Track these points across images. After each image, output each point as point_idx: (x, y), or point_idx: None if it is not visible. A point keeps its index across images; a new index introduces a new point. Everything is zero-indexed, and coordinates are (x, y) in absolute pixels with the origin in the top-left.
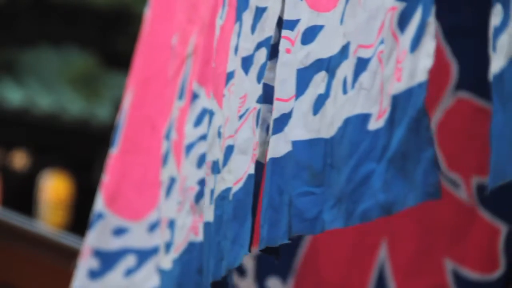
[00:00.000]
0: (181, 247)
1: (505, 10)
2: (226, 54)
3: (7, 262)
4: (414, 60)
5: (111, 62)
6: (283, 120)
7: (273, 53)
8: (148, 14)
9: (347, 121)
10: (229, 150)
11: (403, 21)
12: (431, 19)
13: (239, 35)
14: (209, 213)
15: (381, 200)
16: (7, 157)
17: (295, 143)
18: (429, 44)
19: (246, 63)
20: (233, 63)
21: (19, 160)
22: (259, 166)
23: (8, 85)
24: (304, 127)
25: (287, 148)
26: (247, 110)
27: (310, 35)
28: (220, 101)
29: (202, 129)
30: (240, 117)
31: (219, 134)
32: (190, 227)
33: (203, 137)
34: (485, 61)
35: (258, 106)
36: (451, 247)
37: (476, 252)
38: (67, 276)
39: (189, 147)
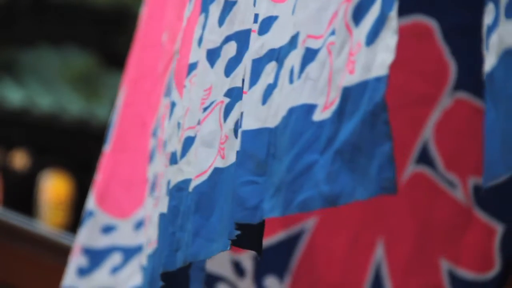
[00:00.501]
0: (155, 243)
1: (496, 9)
2: (190, 46)
3: (7, 262)
4: (370, 54)
5: (111, 62)
6: None
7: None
8: (143, 13)
9: (291, 111)
10: (188, 141)
11: (358, 14)
12: (392, 14)
13: (204, 27)
14: (164, 204)
15: (325, 191)
16: (7, 157)
17: (243, 133)
18: (389, 39)
19: (212, 55)
20: (196, 55)
21: (19, 160)
22: None
23: (8, 85)
24: (253, 117)
25: None
26: (212, 102)
27: (266, 25)
28: (181, 92)
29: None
30: (205, 109)
31: (179, 125)
32: None
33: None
34: (483, 61)
35: (226, 99)
36: (447, 247)
37: (472, 252)
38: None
39: (166, 142)
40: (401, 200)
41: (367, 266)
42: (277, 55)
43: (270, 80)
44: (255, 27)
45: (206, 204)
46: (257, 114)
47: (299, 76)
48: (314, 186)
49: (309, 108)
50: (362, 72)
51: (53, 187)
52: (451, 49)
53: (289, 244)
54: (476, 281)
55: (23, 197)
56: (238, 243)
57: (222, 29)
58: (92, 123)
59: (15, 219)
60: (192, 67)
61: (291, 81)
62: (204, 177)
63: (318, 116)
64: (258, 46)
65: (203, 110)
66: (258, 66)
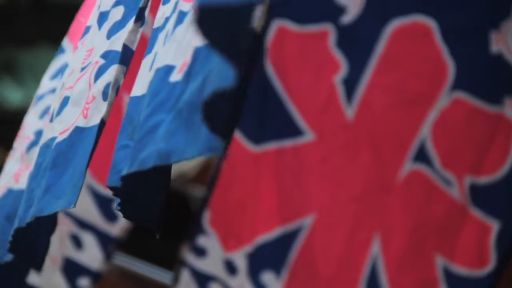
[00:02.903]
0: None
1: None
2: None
3: None
4: None
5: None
6: None
7: (140, 16)
8: None
9: (156, 72)
10: (65, 101)
11: None
12: None
13: None
14: None
15: (160, 149)
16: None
17: (131, 99)
18: None
19: (102, 18)
20: (93, 18)
21: None
22: (103, 125)
23: (8, 85)
24: (141, 84)
25: None
26: (90, 63)
27: None
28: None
29: (56, 83)
30: (82, 69)
31: (63, 85)
32: (14, 174)
33: (54, 91)
34: (482, 62)
35: (101, 61)
36: (443, 243)
37: (467, 249)
38: None
39: (39, 98)
40: (398, 197)
41: (363, 261)
42: (166, 22)
43: (159, 47)
44: None
45: (62, 161)
46: (144, 81)
47: (170, 39)
48: (155, 144)
49: (169, 69)
50: None
51: None
52: (449, 49)
53: (287, 240)
54: (471, 277)
55: None
56: (125, 212)
57: None
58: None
59: None
60: (87, 30)
61: (165, 43)
62: (65, 135)
63: (174, 77)
64: (159, 16)
65: (81, 70)
66: (156, 35)
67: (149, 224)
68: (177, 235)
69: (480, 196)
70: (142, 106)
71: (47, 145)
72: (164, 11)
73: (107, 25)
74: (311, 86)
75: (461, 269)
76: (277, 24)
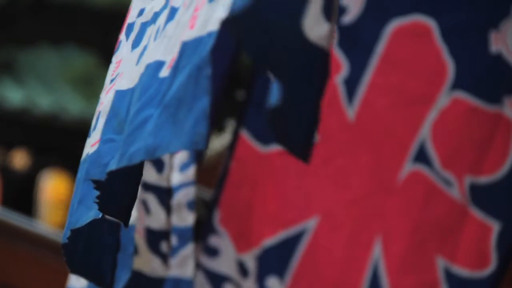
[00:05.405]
0: None
1: None
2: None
3: (7, 262)
4: (210, 10)
5: (111, 62)
6: None
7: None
8: None
9: (147, 67)
10: (99, 115)
11: None
12: None
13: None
14: None
15: (148, 144)
16: (7, 157)
17: (116, 93)
18: None
19: (129, 29)
20: (123, 32)
21: (19, 160)
22: None
23: (8, 85)
24: (127, 77)
25: None
26: (118, 74)
27: None
28: None
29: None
30: (111, 81)
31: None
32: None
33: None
34: (481, 61)
35: None
36: (443, 244)
37: (468, 249)
38: (67, 276)
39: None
40: (398, 198)
41: (365, 264)
42: (156, 17)
43: (146, 41)
44: None
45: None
46: (131, 75)
47: (161, 34)
48: (143, 139)
49: (159, 65)
50: (201, 27)
51: (53, 187)
52: (449, 48)
53: (290, 244)
54: (472, 279)
55: (23, 197)
56: (100, 205)
57: (140, 3)
58: (91, 123)
59: (15, 219)
60: (120, 44)
61: (155, 39)
62: (95, 146)
63: (164, 72)
64: (148, 9)
65: (110, 82)
66: (143, 29)
67: (118, 217)
68: None
69: (481, 196)
70: (128, 100)
71: (84, 160)
72: (153, 5)
73: (132, 36)
74: None
75: (462, 270)
76: None
